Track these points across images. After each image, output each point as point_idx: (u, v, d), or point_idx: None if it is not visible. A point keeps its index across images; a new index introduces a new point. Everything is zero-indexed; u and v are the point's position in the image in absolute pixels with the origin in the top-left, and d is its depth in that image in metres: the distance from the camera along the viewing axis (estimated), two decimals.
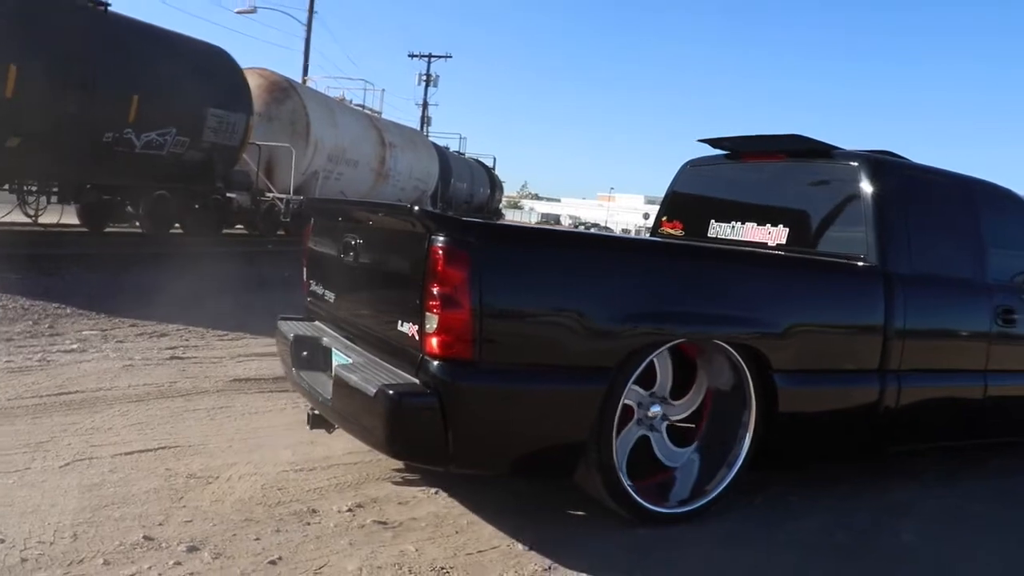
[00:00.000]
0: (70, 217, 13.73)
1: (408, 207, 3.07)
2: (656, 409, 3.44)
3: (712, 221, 4.90)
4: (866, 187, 4.05)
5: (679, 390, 3.56)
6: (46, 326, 6.12)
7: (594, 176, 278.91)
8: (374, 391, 2.87)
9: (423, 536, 3.03)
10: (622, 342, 3.13)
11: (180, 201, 13.55)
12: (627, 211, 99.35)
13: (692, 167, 5.30)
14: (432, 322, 2.86)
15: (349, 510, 3.19)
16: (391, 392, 2.83)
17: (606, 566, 2.94)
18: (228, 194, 14.84)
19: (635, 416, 3.42)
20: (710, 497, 3.49)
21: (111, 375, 4.85)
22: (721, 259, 3.78)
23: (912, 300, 3.98)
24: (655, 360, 3.39)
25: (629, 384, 3.20)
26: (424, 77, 40.12)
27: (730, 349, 3.43)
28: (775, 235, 4.47)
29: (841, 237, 4.17)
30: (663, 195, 5.47)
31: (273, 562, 2.69)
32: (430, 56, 40.42)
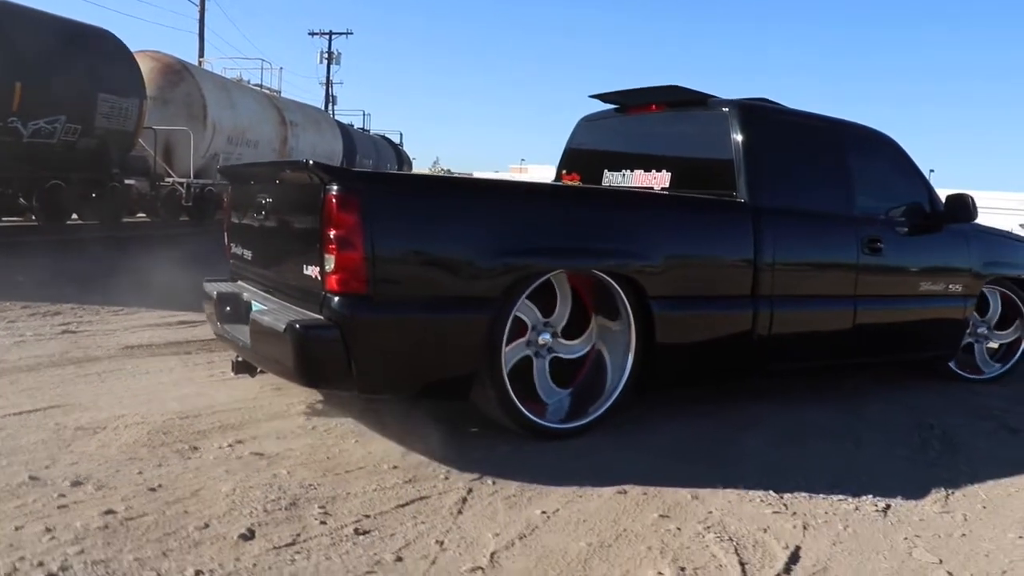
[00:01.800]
0: None
1: (304, 162, 3.39)
2: (546, 337, 3.82)
3: (605, 171, 5.29)
4: (736, 130, 4.47)
5: (574, 333, 3.94)
6: None
7: (506, 149, 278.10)
8: (283, 327, 3.25)
9: (296, 462, 3.33)
10: (504, 274, 3.52)
11: (76, 190, 13.30)
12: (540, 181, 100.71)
13: (587, 122, 5.70)
14: (331, 263, 3.22)
15: (229, 446, 3.46)
16: (297, 327, 3.22)
17: (461, 474, 3.30)
18: (126, 181, 14.63)
19: (527, 336, 3.78)
20: (595, 415, 3.90)
21: (1, 350, 4.97)
22: (595, 198, 4.21)
23: (780, 232, 4.42)
24: (556, 290, 3.79)
25: (513, 313, 3.58)
26: (326, 55, 39.65)
27: (609, 279, 3.81)
28: (659, 180, 4.89)
29: (716, 177, 4.54)
30: None
31: (153, 488, 2.95)
32: (331, 33, 39.99)
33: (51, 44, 12.10)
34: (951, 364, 5.76)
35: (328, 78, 40.21)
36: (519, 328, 3.73)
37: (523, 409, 3.67)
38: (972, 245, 5.62)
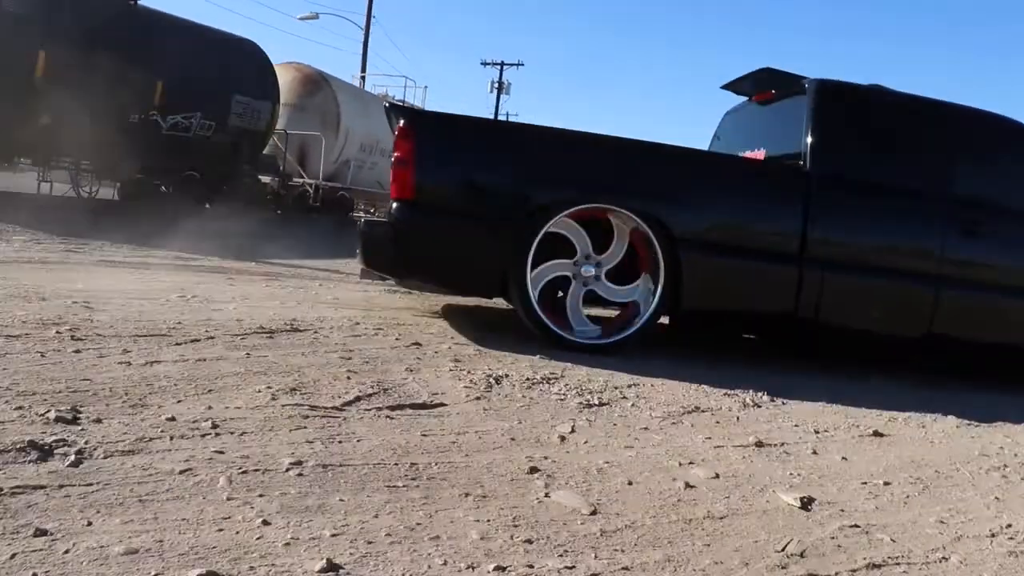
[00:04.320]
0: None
1: (385, 104, 4.63)
2: (589, 270, 4.33)
3: None
4: (811, 102, 4.65)
5: (602, 248, 4.35)
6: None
7: None
8: (359, 226, 4.53)
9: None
10: (527, 199, 4.18)
11: (209, 182, 14.76)
12: None
13: (726, 115, 6.18)
14: (392, 176, 4.17)
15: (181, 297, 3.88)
16: (363, 223, 4.54)
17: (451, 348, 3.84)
18: (260, 177, 16.02)
19: (574, 259, 4.31)
20: (619, 337, 4.30)
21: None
22: (626, 146, 4.50)
23: (840, 200, 4.50)
24: (568, 234, 4.26)
25: (541, 233, 4.16)
26: (496, 84, 41.30)
27: (639, 221, 4.22)
28: (757, 156, 5.25)
29: (792, 148, 4.72)
30: None
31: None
32: (502, 64, 41.58)
33: (192, 49, 13.61)
34: None
35: (497, 106, 41.80)
36: (569, 250, 4.29)
37: (543, 317, 4.19)
38: None
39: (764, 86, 5.37)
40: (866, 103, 4.82)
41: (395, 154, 4.12)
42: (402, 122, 4.15)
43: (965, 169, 4.75)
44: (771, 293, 4.43)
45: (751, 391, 3.68)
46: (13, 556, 1.51)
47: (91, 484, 1.85)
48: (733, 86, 5.56)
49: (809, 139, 4.55)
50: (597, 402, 3.16)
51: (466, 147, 4.27)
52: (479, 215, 4.17)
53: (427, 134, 4.20)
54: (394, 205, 4.13)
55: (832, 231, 4.44)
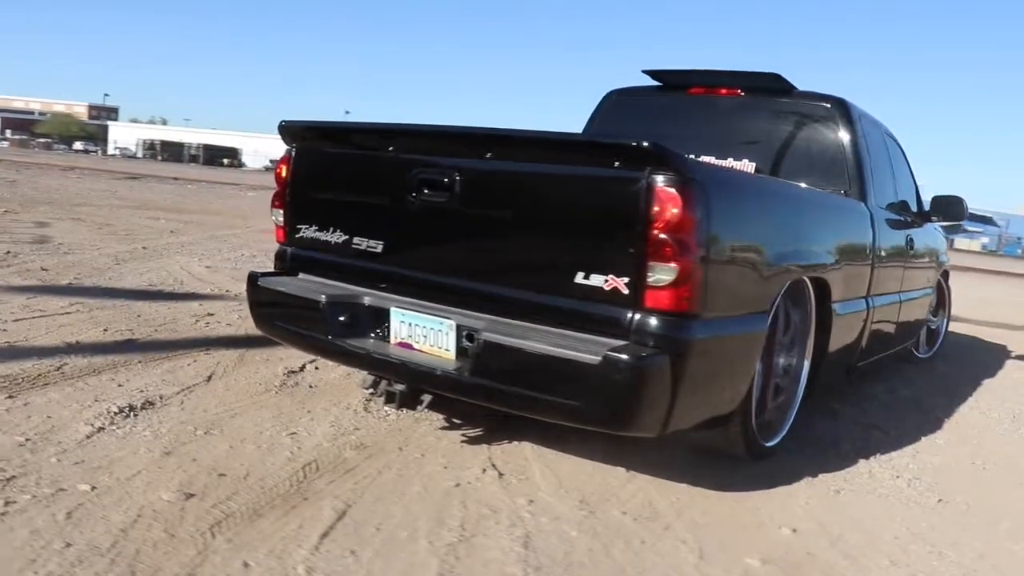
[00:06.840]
0: None
1: (631, 142, 2.62)
2: None
3: None
4: (843, 126, 4.30)
5: None
6: None
7: None
8: (597, 358, 2.59)
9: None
10: (779, 282, 3.19)
11: None
12: None
13: (621, 96, 5.13)
14: (663, 273, 2.61)
15: None
16: (626, 357, 2.57)
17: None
18: None
19: None
20: (782, 435, 3.65)
21: None
22: (808, 197, 3.94)
23: (880, 231, 4.36)
24: None
25: (772, 312, 3.23)
26: None
27: (809, 284, 3.57)
28: (741, 168, 4.46)
29: (816, 173, 4.33)
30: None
31: None
32: None
33: None
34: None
35: None
36: None
37: (758, 435, 3.39)
38: (937, 238, 6.13)
39: (710, 81, 4.77)
40: (869, 123, 4.65)
41: (661, 234, 2.59)
42: (670, 178, 2.59)
43: (897, 184, 4.99)
44: (856, 334, 4.20)
45: None
46: None
47: None
48: (661, 75, 4.85)
49: (856, 170, 4.28)
50: None
51: (752, 216, 3.09)
52: (749, 314, 3.04)
53: (722, 202, 2.81)
54: (661, 321, 2.64)
55: (882, 264, 4.37)
